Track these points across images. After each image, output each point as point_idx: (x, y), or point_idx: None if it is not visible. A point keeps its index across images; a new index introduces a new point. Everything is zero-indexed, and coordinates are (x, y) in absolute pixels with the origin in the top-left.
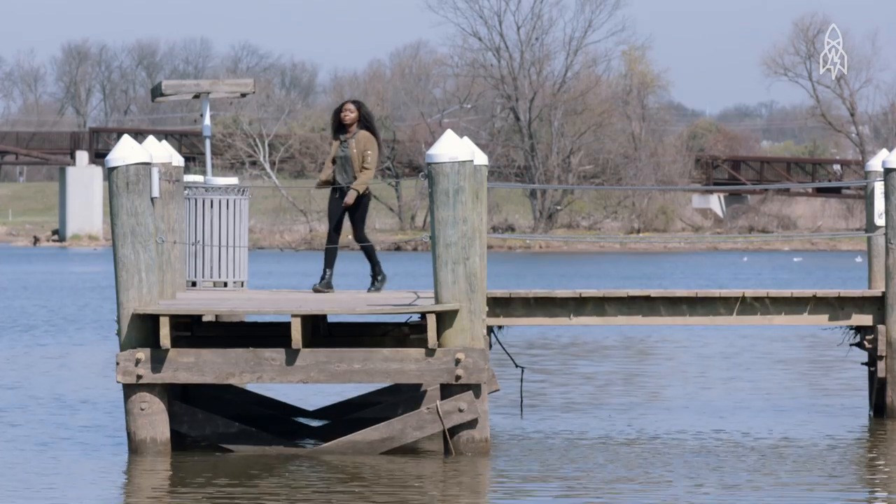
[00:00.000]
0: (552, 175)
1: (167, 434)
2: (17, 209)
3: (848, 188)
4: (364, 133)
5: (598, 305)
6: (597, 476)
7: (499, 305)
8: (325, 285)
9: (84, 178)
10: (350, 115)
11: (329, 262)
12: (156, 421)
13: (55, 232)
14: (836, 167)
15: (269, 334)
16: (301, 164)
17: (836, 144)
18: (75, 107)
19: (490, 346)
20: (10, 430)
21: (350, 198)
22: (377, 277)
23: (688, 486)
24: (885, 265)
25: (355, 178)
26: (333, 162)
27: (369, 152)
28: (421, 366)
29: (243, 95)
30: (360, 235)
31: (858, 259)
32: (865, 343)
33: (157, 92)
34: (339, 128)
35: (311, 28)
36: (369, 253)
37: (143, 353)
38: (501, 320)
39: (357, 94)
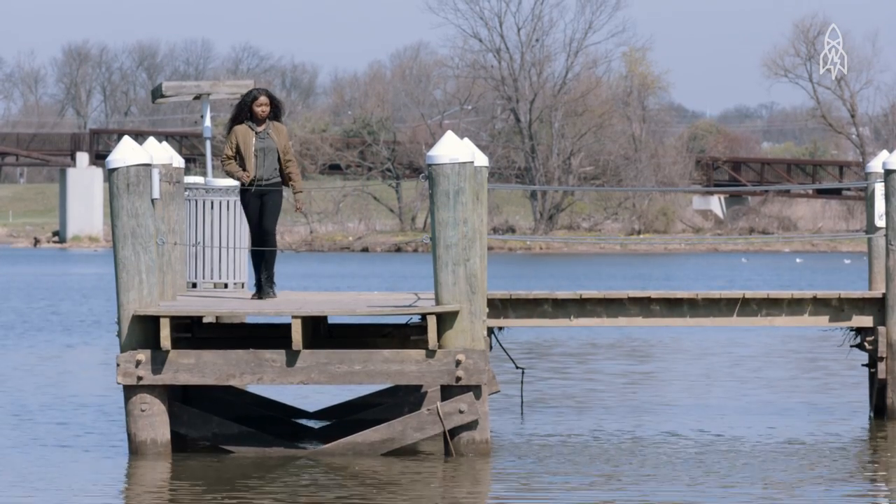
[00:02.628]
0: (552, 176)
1: (167, 435)
2: (17, 210)
3: (848, 190)
4: (279, 124)
5: (599, 306)
6: (597, 477)
7: (499, 306)
8: (265, 292)
9: (84, 179)
10: (266, 108)
11: (259, 265)
12: (156, 422)
13: (55, 233)
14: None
15: (269, 335)
16: (301, 165)
17: (837, 146)
18: (76, 108)
19: (490, 347)
20: (10, 431)
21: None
22: (273, 284)
23: (688, 487)
24: (886, 266)
25: (277, 169)
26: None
27: (289, 144)
28: (421, 367)
29: None
30: (271, 230)
31: (847, 261)
32: (866, 344)
33: (157, 93)
34: (249, 118)
35: (312, 29)
36: (272, 256)
37: (143, 355)
38: (502, 321)
39: (357, 96)
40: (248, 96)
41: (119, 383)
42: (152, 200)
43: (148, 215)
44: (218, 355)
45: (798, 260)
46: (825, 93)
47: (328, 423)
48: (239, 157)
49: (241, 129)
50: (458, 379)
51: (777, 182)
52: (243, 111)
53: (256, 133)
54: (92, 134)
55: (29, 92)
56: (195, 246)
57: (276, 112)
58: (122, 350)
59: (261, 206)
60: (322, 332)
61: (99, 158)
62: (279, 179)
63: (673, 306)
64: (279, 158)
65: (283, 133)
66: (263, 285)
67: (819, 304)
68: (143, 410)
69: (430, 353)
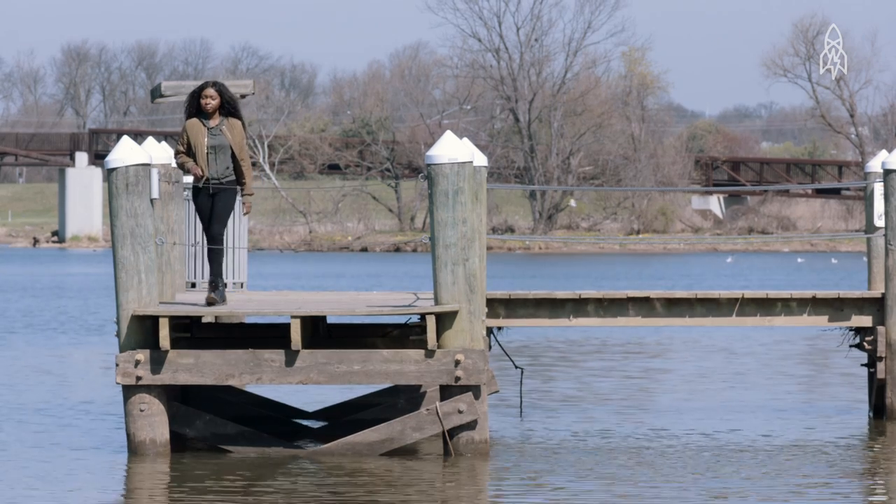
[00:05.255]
0: (552, 176)
1: (167, 435)
2: (16, 210)
3: (847, 189)
4: (235, 121)
5: (598, 306)
6: (596, 477)
7: (498, 306)
8: (221, 295)
9: (84, 179)
10: (212, 102)
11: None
12: (155, 422)
13: (55, 233)
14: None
15: (268, 335)
16: (300, 165)
17: (836, 145)
18: (75, 108)
19: (490, 347)
20: (10, 431)
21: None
22: (219, 285)
23: (687, 488)
24: (885, 266)
25: (230, 168)
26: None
27: (244, 142)
28: (420, 367)
29: (243, 96)
30: (219, 231)
31: (834, 261)
32: (865, 344)
33: (156, 93)
34: (198, 113)
35: (311, 29)
36: (220, 256)
37: (142, 355)
38: (501, 321)
39: (356, 95)
40: (195, 88)
41: (118, 383)
42: (151, 200)
43: (147, 215)
44: (217, 355)
45: (799, 260)
46: (824, 92)
47: (327, 423)
48: (191, 154)
49: (192, 124)
50: (458, 379)
51: (776, 182)
52: (192, 104)
53: (209, 129)
54: (91, 134)
55: (28, 92)
56: (194, 246)
57: (228, 107)
58: (122, 350)
59: (212, 206)
60: (321, 332)
61: (98, 158)
62: (233, 178)
63: (672, 306)
64: (233, 156)
65: (237, 130)
66: (209, 288)
67: (818, 304)
68: (142, 410)
69: (430, 353)
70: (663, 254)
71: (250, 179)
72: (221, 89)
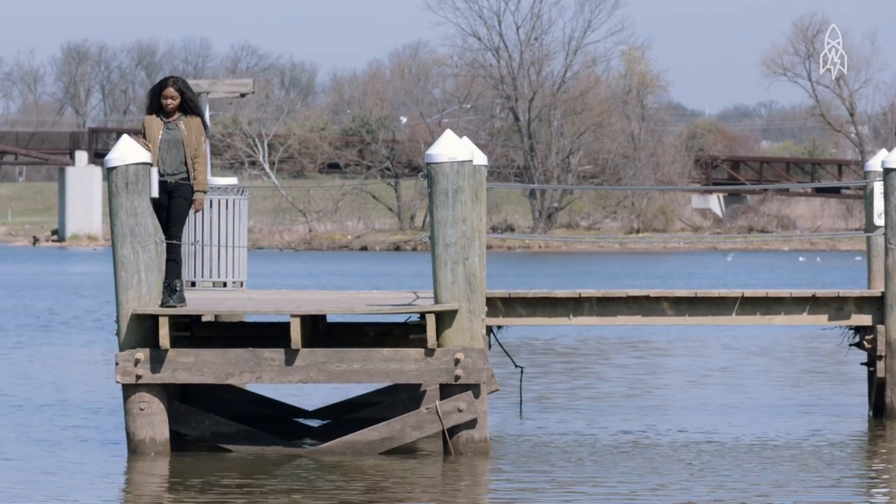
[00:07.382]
0: (551, 175)
1: (166, 434)
2: (16, 209)
3: (847, 188)
4: (194, 117)
5: (598, 305)
6: (596, 477)
7: (498, 305)
8: (179, 299)
9: (83, 178)
10: (173, 102)
11: (178, 272)
12: (155, 421)
13: (54, 232)
14: None
15: (268, 334)
16: (300, 164)
17: (836, 144)
18: (75, 107)
19: (489, 346)
20: (9, 430)
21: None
22: (176, 288)
23: (687, 487)
24: (885, 265)
25: (185, 164)
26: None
27: (203, 139)
28: (420, 366)
29: (242, 95)
30: (176, 233)
31: (818, 259)
32: (865, 343)
33: None
34: (159, 109)
35: (311, 28)
36: (178, 258)
37: (142, 354)
38: (501, 320)
39: (356, 94)
40: (156, 84)
41: (118, 382)
42: (151, 199)
43: (147, 214)
44: (217, 354)
45: (801, 259)
46: (824, 91)
47: (327, 421)
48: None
49: (150, 121)
50: (457, 378)
51: (776, 181)
52: (154, 101)
53: (165, 124)
54: (91, 132)
55: (28, 91)
56: (194, 245)
57: (188, 106)
58: (121, 349)
59: (168, 205)
60: (321, 331)
61: (98, 157)
62: (185, 176)
63: (672, 305)
64: (187, 154)
65: (194, 126)
66: (163, 293)
67: (818, 303)
68: (141, 409)
69: (429, 352)
70: (663, 253)
71: (202, 176)
72: (182, 88)
